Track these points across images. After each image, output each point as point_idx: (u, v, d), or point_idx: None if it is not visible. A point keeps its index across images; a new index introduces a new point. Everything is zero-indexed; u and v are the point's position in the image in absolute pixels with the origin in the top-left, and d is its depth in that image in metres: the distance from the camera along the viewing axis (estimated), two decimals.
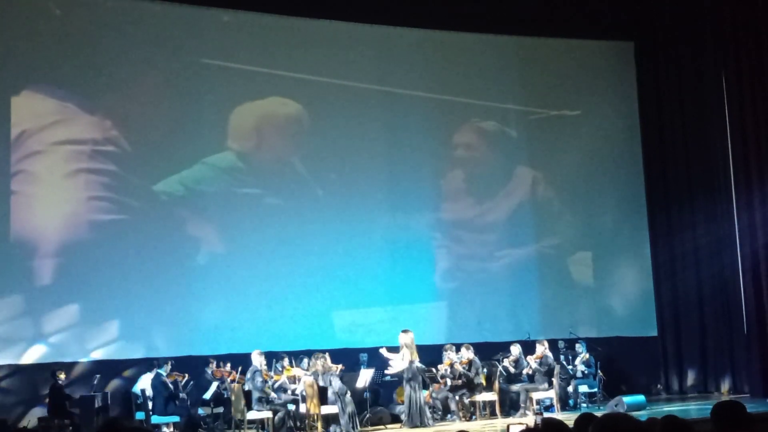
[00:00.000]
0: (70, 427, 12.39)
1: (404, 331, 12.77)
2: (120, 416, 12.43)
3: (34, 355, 13.07)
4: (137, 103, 14.09)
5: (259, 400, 12.28)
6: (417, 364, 12.55)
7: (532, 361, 13.66)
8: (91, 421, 12.17)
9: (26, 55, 13.43)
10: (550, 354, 13.92)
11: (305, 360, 13.09)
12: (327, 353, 12.80)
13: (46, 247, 13.30)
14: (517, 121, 16.60)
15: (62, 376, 12.54)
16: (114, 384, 13.39)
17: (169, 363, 12.63)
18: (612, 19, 16.66)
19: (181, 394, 12.56)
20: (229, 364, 13.13)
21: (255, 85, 14.94)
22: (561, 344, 15.02)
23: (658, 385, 16.32)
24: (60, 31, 13.69)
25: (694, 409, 13.23)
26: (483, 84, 16.40)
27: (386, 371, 13.04)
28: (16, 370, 13.00)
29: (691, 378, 16.13)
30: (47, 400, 12.56)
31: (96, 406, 12.47)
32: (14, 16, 13.48)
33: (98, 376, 13.00)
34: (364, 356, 14.03)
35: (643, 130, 16.94)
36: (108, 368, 13.38)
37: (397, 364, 12.77)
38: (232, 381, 12.61)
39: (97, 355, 13.43)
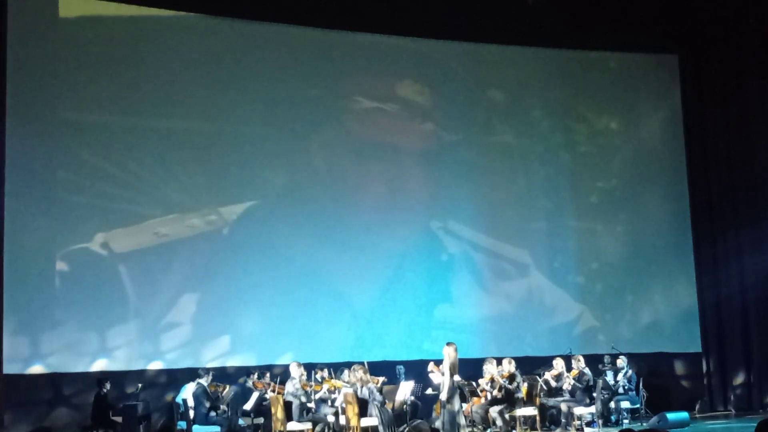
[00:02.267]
0: None
1: (448, 344, 12.68)
2: (168, 424, 12.55)
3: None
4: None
5: (300, 411, 12.33)
6: (457, 379, 12.46)
7: (569, 378, 13.55)
8: (134, 429, 12.31)
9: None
10: (587, 370, 13.80)
11: (346, 372, 13.11)
12: (365, 364, 12.83)
13: None
14: (558, 134, 16.51)
15: (108, 385, 12.72)
16: (156, 393, 13.51)
17: (211, 373, 12.73)
18: (656, 31, 16.54)
19: (221, 405, 12.65)
20: (268, 375, 13.21)
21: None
22: (606, 359, 14.90)
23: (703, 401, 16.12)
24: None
25: (737, 426, 13.04)
26: (525, 98, 16.36)
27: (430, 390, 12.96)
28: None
29: (735, 395, 15.90)
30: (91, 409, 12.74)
31: (138, 414, 12.62)
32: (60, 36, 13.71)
33: (140, 385, 13.15)
34: (401, 368, 14.02)
35: (688, 145, 16.77)
36: (151, 378, 13.51)
37: (438, 379, 12.76)
38: (273, 392, 12.66)
39: (140, 365, 13.57)
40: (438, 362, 12.79)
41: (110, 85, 13.79)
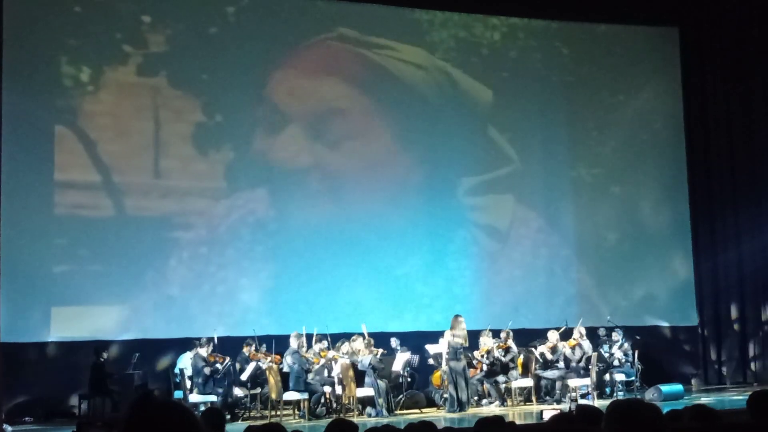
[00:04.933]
0: (110, 404, 12.61)
1: (456, 316, 12.88)
2: (156, 390, 12.61)
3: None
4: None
5: (297, 381, 12.40)
6: (462, 342, 12.63)
7: (566, 348, 13.64)
8: (131, 398, 12.33)
9: None
10: (585, 342, 13.86)
11: (346, 343, 13.17)
12: (366, 335, 12.93)
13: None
14: (556, 108, 16.43)
15: (105, 354, 12.77)
16: (153, 362, 13.56)
17: (210, 343, 12.76)
18: (657, 4, 16.43)
19: (219, 375, 12.70)
20: (264, 346, 13.25)
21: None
22: (602, 332, 14.95)
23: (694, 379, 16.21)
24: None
25: (732, 399, 13.10)
26: (523, 70, 16.28)
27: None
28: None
29: (730, 369, 15.98)
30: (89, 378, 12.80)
31: (135, 384, 12.69)
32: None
33: (137, 354, 13.18)
34: (396, 340, 14.07)
35: (687, 117, 16.72)
36: (148, 347, 13.54)
37: (435, 349, 12.96)
38: (270, 362, 12.71)
39: (137, 334, 13.61)
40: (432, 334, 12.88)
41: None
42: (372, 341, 12.95)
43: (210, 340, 12.83)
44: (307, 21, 15.08)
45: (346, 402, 12.60)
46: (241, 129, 14.52)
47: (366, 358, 12.49)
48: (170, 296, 13.83)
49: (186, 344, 13.24)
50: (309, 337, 13.19)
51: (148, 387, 12.88)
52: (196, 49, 14.31)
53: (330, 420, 5.54)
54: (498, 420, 5.18)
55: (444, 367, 12.77)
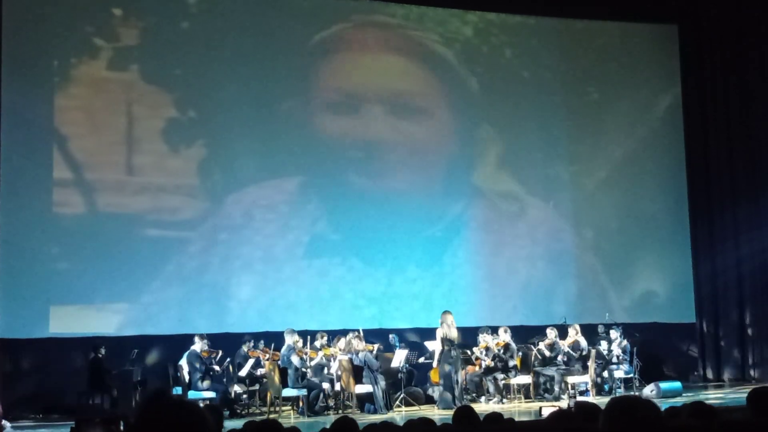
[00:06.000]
0: (109, 400, 12.60)
1: (445, 312, 12.89)
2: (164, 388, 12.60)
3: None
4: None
5: (295, 378, 12.39)
6: (452, 339, 12.63)
7: (564, 346, 13.64)
8: (130, 394, 12.38)
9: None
10: (582, 339, 13.87)
11: (342, 339, 13.15)
12: (360, 331, 12.92)
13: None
14: (555, 105, 16.42)
15: (102, 350, 12.75)
16: (152, 359, 13.55)
17: (206, 340, 12.74)
18: (656, 2, 16.42)
19: (216, 371, 12.69)
20: (262, 342, 13.23)
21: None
22: (600, 329, 14.94)
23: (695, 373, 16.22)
24: None
25: (731, 396, 13.11)
26: (522, 66, 16.26)
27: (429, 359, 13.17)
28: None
29: (729, 365, 15.99)
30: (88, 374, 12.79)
31: (134, 380, 12.68)
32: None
33: (136, 351, 13.18)
34: (395, 337, 14.06)
35: (686, 115, 16.71)
36: (146, 343, 13.53)
37: (432, 346, 12.95)
38: (268, 359, 12.71)
39: (135, 330, 13.59)
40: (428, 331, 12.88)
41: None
42: (362, 337, 12.94)
43: (202, 336, 12.80)
44: (270, 15, 14.93)
45: (345, 398, 12.60)
46: (214, 124, 14.41)
47: (361, 353, 12.49)
48: (167, 293, 13.80)
49: (183, 341, 13.22)
50: (305, 333, 13.17)
51: (147, 383, 12.88)
52: (169, 43, 14.20)
53: (327, 416, 5.54)
54: (470, 410, 5.27)
55: (439, 365, 12.74)
